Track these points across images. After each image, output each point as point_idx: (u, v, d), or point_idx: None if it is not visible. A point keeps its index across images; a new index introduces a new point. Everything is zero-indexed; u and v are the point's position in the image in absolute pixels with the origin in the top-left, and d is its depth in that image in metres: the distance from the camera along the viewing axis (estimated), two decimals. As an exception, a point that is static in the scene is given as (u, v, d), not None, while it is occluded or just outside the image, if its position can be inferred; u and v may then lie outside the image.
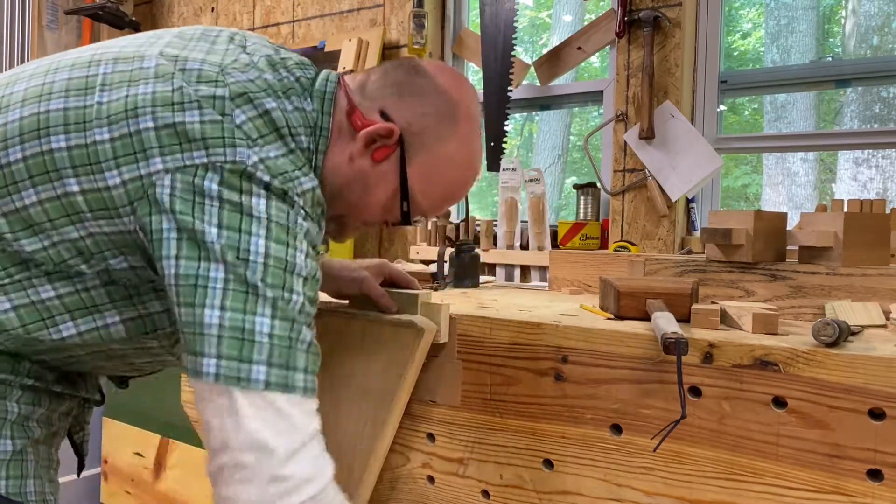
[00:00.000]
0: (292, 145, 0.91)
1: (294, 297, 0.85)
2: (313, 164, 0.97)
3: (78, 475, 1.14)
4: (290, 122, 0.92)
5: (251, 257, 0.82)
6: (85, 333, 0.94)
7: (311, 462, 0.84)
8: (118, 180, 0.85)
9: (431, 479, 1.23)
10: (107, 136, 0.86)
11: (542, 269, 2.24)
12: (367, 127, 0.98)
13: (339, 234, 1.11)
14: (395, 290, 1.23)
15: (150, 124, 0.86)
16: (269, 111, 0.91)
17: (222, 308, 0.81)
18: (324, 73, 1.02)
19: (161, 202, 0.84)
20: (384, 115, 0.99)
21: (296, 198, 0.88)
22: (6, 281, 0.89)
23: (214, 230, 0.82)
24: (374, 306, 1.23)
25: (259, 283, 0.82)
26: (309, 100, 0.97)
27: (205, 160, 0.84)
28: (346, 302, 1.32)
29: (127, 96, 0.88)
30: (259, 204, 0.84)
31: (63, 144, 0.87)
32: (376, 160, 0.99)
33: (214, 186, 0.83)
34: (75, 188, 0.86)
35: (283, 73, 0.97)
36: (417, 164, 1.00)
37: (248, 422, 0.80)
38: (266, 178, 0.85)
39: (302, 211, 0.88)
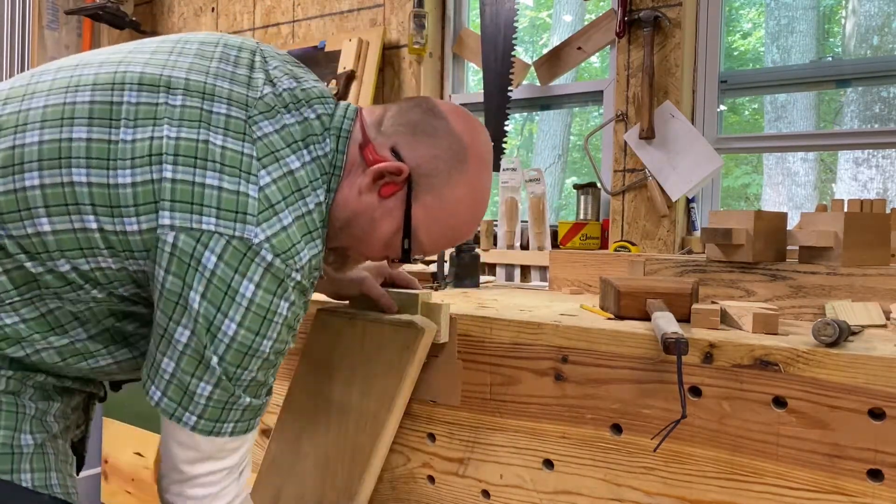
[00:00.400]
0: (311, 205, 0.94)
1: (246, 374, 0.92)
2: (326, 206, 0.99)
3: (77, 473, 1.14)
4: (311, 177, 0.95)
5: (219, 335, 0.88)
6: (97, 336, 0.96)
7: (213, 484, 0.97)
8: (136, 227, 0.86)
9: (432, 479, 1.23)
10: (129, 179, 0.86)
11: (543, 269, 2.24)
12: (377, 163, 0.99)
13: (340, 267, 1.13)
14: (395, 291, 1.23)
15: (169, 175, 0.86)
16: (293, 171, 0.93)
17: (177, 364, 0.90)
18: (342, 107, 1.03)
19: (160, 258, 0.87)
20: (395, 153, 1.00)
21: (293, 274, 0.91)
22: (16, 299, 0.89)
23: (198, 298, 0.87)
24: (374, 307, 1.23)
25: (213, 358, 0.89)
26: (327, 140, 0.99)
27: (212, 228, 0.86)
28: (347, 303, 1.32)
29: (152, 138, 0.88)
30: (247, 290, 0.88)
31: (84, 179, 0.86)
32: (383, 196, 1.01)
33: (213, 259, 0.86)
34: (93, 225, 0.87)
35: (305, 112, 0.98)
36: (423, 204, 1.01)
37: (173, 447, 0.95)
38: (269, 257, 0.88)
39: (292, 293, 0.92)
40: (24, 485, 0.92)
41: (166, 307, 0.88)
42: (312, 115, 0.98)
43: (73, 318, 0.93)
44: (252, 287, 0.88)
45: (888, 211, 1.58)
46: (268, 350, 0.92)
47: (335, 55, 2.67)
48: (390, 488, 1.27)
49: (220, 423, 0.93)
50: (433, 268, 1.89)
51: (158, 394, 0.92)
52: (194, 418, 0.91)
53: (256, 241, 0.87)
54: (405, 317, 1.18)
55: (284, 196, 0.91)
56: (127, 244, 0.87)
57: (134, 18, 3.22)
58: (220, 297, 0.87)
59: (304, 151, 0.96)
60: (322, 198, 0.97)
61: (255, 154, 0.90)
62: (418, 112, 1.03)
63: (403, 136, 1.01)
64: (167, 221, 0.86)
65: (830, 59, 4.65)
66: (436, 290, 1.67)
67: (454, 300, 1.42)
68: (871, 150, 3.80)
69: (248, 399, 0.94)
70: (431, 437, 1.23)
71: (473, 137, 1.03)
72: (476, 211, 1.06)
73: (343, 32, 2.77)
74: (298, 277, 0.92)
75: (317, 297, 1.39)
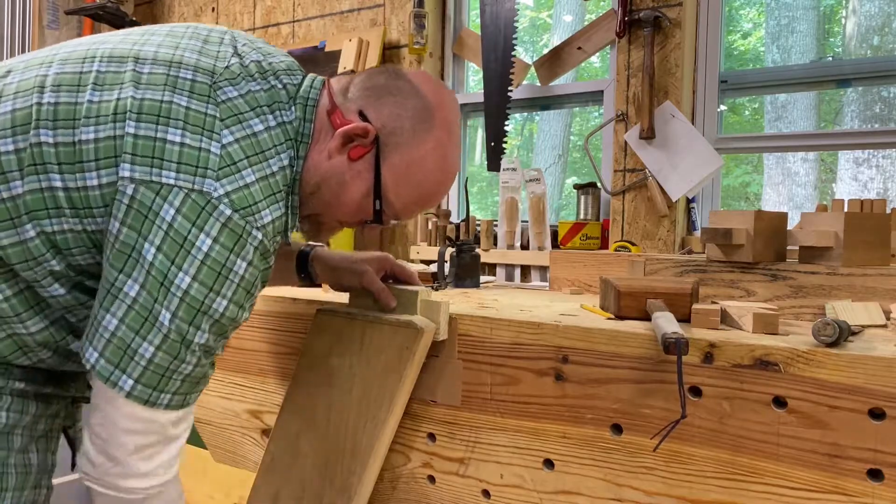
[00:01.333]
0: (274, 168, 0.95)
1: (198, 335, 0.90)
2: (293, 173, 1.00)
3: (72, 469, 1.15)
4: (275, 141, 0.96)
5: (172, 289, 0.87)
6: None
7: (156, 460, 0.93)
8: (96, 182, 0.87)
9: (432, 479, 1.23)
10: (92, 136, 0.88)
11: (543, 269, 2.24)
12: (344, 126, 1.01)
13: (315, 235, 1.13)
14: (395, 287, 1.23)
15: (132, 130, 0.88)
16: (255, 133, 0.94)
17: (120, 321, 0.87)
18: (309, 78, 1.05)
19: (117, 210, 0.87)
20: (362, 116, 1.02)
21: (254, 232, 0.90)
22: None
23: (153, 250, 0.86)
24: (374, 300, 1.23)
25: (165, 315, 0.87)
26: (293, 108, 1.00)
27: (172, 181, 0.87)
28: (347, 302, 1.32)
29: (118, 98, 0.89)
30: (203, 244, 0.87)
31: (51, 140, 0.88)
32: (352, 158, 1.02)
33: (171, 212, 0.86)
34: (58, 184, 0.88)
35: (271, 80, 0.99)
36: (391, 164, 1.03)
37: (111, 412, 0.90)
38: (228, 212, 0.88)
39: (251, 252, 0.91)
40: None
41: (117, 260, 0.87)
42: (279, 85, 1.00)
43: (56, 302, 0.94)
44: (209, 241, 0.87)
45: (888, 211, 1.58)
46: (222, 310, 0.90)
47: (335, 55, 2.67)
48: (391, 488, 1.27)
49: (157, 392, 0.90)
50: (434, 268, 1.89)
51: (95, 355, 0.88)
52: (131, 382, 0.88)
53: (216, 195, 0.88)
54: (404, 317, 1.18)
55: (247, 155, 0.92)
56: (87, 201, 0.88)
57: (134, 18, 3.22)
58: (175, 250, 0.86)
59: (269, 116, 0.97)
60: (286, 162, 0.97)
61: (218, 115, 0.91)
62: (383, 77, 1.05)
63: (369, 100, 1.03)
64: (127, 174, 0.87)
65: (831, 59, 4.65)
66: (436, 290, 1.67)
67: (454, 300, 1.42)
68: (871, 150, 3.79)
69: (190, 367, 0.91)
70: (432, 436, 1.23)
71: (439, 99, 1.05)
72: (443, 170, 1.07)
73: (343, 32, 2.77)
74: (260, 236, 0.91)
75: (316, 297, 1.40)
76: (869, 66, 2.15)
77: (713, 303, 1.20)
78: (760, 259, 1.28)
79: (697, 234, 2.14)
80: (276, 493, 1.28)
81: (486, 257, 2.30)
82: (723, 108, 2.26)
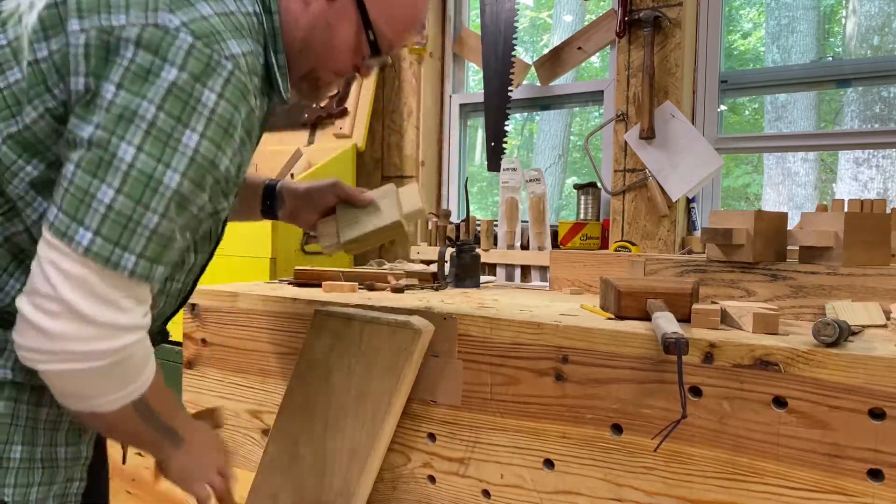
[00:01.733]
0: (231, 7, 0.90)
1: (168, 173, 0.83)
2: (266, 27, 0.96)
3: (123, 462, 1.13)
4: None
5: (136, 120, 0.81)
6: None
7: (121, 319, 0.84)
8: (46, 52, 0.85)
9: (432, 479, 1.23)
10: (35, 13, 0.86)
11: (543, 269, 2.24)
12: None
13: (314, 93, 1.10)
14: (372, 190, 1.27)
15: None
16: None
17: (77, 165, 0.81)
18: None
19: (74, 65, 0.83)
20: None
21: (223, 62, 0.85)
22: (5, 208, 0.89)
23: (112, 88, 0.82)
24: (350, 208, 1.25)
25: (127, 150, 0.81)
26: None
27: (123, 22, 0.83)
28: (346, 303, 1.32)
29: None
30: (169, 73, 0.82)
31: (4, 42, 0.88)
32: None
33: (130, 47, 0.82)
34: (18, 75, 0.86)
35: None
36: None
37: (62, 280, 0.80)
38: (189, 39, 0.83)
39: (221, 84, 0.85)
40: (5, 500, 0.92)
41: (80, 110, 0.83)
42: None
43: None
44: (174, 70, 0.82)
45: (888, 211, 1.58)
46: (194, 145, 0.84)
47: (335, 55, 2.67)
48: (391, 488, 1.27)
49: (119, 249, 0.81)
50: (434, 268, 1.89)
51: (55, 213, 0.81)
52: (89, 235, 0.80)
53: (173, 25, 0.83)
54: (402, 318, 1.18)
55: None
56: (41, 75, 0.85)
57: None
58: (137, 83, 0.82)
59: None
60: (251, 9, 0.93)
61: None
62: None
63: None
64: (76, 27, 0.84)
65: (831, 58, 4.65)
66: (436, 290, 1.67)
67: (454, 300, 1.42)
68: (871, 150, 3.80)
69: (156, 217, 0.83)
70: (432, 436, 1.23)
71: None
72: None
73: (343, 32, 2.77)
74: (230, 66, 0.86)
75: (316, 297, 1.40)
76: (869, 66, 2.15)
77: (713, 303, 1.20)
78: (760, 259, 1.28)
79: (697, 234, 2.14)
80: (275, 493, 1.28)
81: (486, 257, 2.30)
82: (723, 108, 2.26)
